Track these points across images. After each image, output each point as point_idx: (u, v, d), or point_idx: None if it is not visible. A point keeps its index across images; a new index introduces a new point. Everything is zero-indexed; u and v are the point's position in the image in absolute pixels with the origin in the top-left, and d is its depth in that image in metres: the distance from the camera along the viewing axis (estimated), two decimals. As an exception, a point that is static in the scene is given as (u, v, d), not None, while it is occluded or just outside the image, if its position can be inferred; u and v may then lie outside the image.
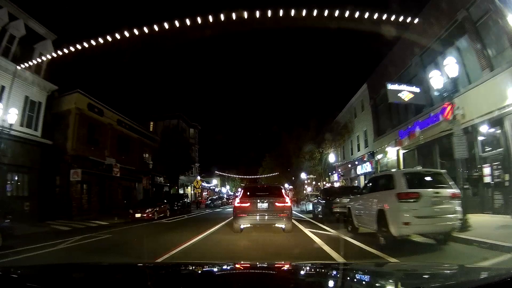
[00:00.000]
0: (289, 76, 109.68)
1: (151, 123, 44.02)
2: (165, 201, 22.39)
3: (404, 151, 18.65)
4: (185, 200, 28.03)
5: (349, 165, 27.88)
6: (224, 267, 2.55)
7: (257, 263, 3.23)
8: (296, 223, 12.51)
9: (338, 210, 13.00)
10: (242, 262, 4.04)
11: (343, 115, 30.76)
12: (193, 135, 48.00)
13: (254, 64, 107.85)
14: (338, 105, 36.60)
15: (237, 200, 10.56)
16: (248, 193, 10.58)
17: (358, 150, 27.00)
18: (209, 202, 40.27)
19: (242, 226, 10.16)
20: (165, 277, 2.06)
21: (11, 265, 5.70)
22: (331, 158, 27.72)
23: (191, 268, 2.56)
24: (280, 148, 46.03)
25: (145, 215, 18.81)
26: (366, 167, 24.21)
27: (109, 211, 22.80)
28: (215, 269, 2.39)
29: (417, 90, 17.48)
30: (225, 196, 68.66)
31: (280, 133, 32.96)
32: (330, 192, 15.31)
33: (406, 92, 17.36)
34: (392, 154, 19.80)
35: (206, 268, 2.48)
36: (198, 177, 42.19)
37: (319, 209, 15.26)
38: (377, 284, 1.89)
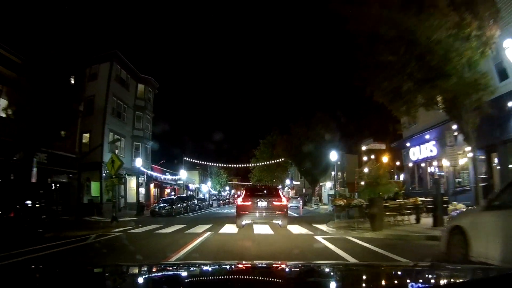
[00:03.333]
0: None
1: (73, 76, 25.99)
2: None
3: None
4: None
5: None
6: (227, 267, 2.42)
7: (258, 263, 2.98)
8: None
9: None
10: (244, 262, 3.70)
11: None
12: (143, 95, 29.71)
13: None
14: None
15: (240, 199, 12.36)
16: (249, 194, 12.14)
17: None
18: (160, 206, 22.05)
19: (243, 223, 11.53)
20: (165, 277, 2.00)
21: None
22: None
23: (191, 268, 2.45)
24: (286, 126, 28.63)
25: None
26: None
27: None
28: (219, 269, 2.26)
29: None
30: (204, 196, 50.59)
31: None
32: None
33: None
34: None
35: (208, 268, 2.33)
36: (136, 164, 23.83)
37: None
38: (384, 284, 1.83)
